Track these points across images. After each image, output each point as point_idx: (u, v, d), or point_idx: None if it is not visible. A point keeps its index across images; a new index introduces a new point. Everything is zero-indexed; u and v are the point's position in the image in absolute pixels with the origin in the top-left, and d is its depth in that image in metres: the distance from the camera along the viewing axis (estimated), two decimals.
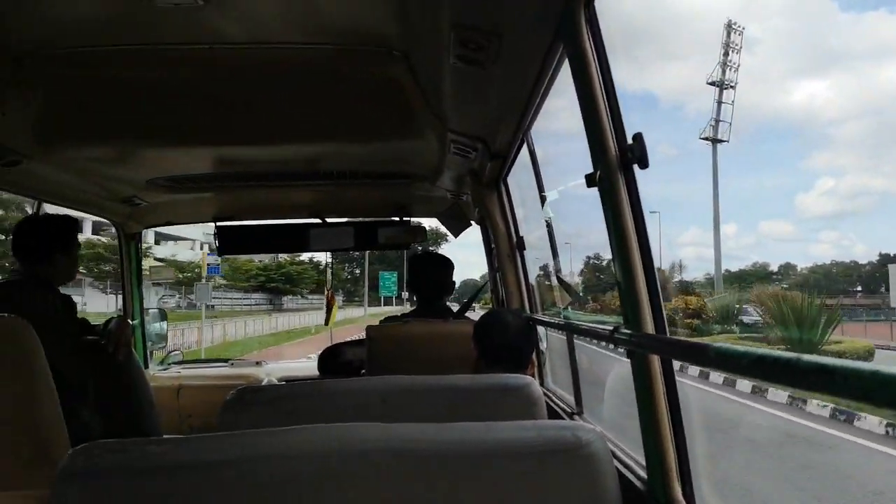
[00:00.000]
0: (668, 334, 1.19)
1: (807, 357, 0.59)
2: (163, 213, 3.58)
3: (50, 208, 3.03)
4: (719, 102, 37.51)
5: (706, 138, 35.84)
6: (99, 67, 1.89)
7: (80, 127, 2.33)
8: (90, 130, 2.37)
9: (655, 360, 1.17)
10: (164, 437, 2.08)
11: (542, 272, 3.16)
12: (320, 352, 3.47)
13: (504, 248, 2.90)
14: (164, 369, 3.99)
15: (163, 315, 4.16)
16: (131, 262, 3.72)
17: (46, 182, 2.75)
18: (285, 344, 24.04)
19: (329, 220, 3.68)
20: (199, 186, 3.15)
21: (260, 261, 43.84)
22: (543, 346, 2.73)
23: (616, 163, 1.21)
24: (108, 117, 2.25)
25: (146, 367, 3.73)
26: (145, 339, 3.83)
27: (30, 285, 2.40)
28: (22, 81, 1.88)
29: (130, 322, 3.72)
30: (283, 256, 43.93)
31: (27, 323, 2.06)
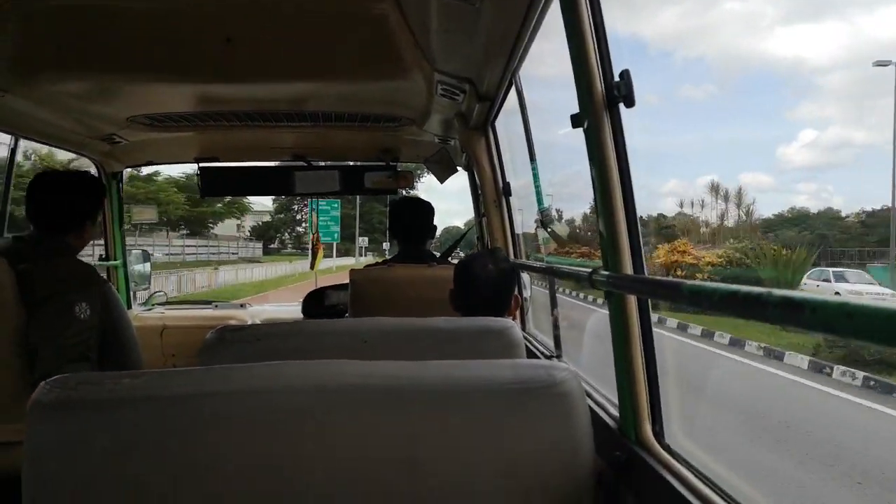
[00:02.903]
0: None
1: (776, 291, 0.59)
2: (143, 152, 3.51)
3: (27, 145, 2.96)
4: None
5: None
6: None
7: (59, 59, 2.24)
8: (69, 63, 2.29)
9: (632, 303, 1.17)
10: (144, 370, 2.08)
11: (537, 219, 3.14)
12: (305, 295, 3.49)
13: (490, 193, 2.89)
14: (148, 310, 3.99)
15: (146, 256, 4.14)
16: (112, 202, 3.67)
17: (24, 117, 2.67)
18: None
19: (314, 163, 3.63)
20: (180, 126, 3.08)
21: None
22: (528, 292, 2.74)
23: (602, 101, 1.19)
24: (87, 50, 2.17)
25: (129, 307, 3.73)
26: (128, 280, 3.82)
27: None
28: None
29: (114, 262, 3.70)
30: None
31: (1, 258, 2.04)
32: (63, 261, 2.20)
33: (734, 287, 0.67)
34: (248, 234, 47.44)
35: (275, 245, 48.85)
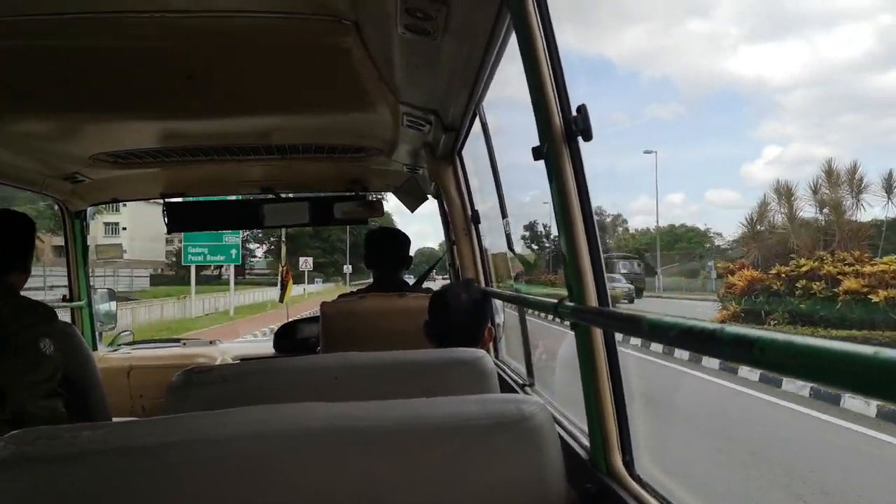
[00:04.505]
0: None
1: (729, 328, 0.59)
2: (108, 189, 3.46)
3: None
4: None
5: None
6: (37, 37, 1.78)
7: (17, 101, 2.21)
8: (28, 104, 2.26)
9: (598, 333, 1.18)
10: (104, 421, 2.03)
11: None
12: (276, 329, 3.44)
13: (459, 221, 2.90)
14: (114, 350, 3.89)
15: (111, 295, 4.05)
16: (76, 241, 3.60)
17: None
18: None
19: (283, 195, 3.62)
20: (144, 162, 3.05)
21: None
22: (500, 319, 2.75)
23: (561, 135, 1.21)
24: (46, 91, 2.14)
25: (94, 348, 3.63)
26: (93, 320, 3.73)
27: None
28: None
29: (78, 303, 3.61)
30: None
31: None
32: (15, 299, 2.14)
33: (691, 322, 0.68)
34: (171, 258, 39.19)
35: (211, 272, 39.49)
